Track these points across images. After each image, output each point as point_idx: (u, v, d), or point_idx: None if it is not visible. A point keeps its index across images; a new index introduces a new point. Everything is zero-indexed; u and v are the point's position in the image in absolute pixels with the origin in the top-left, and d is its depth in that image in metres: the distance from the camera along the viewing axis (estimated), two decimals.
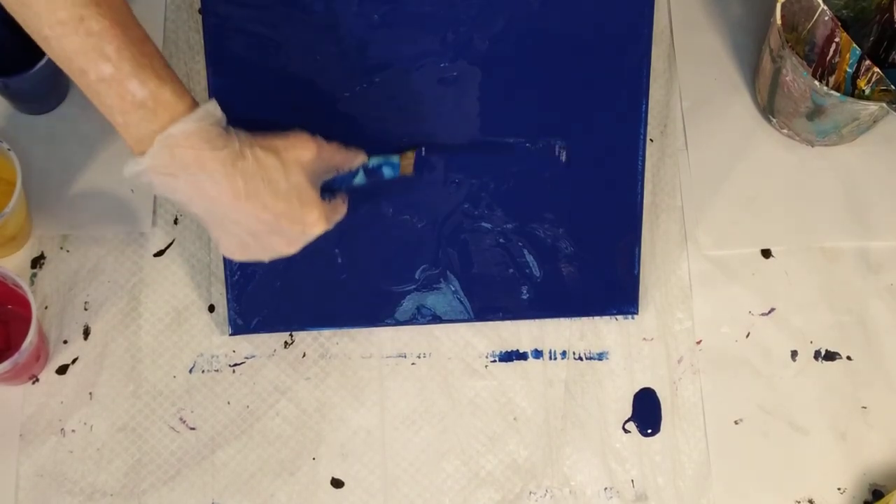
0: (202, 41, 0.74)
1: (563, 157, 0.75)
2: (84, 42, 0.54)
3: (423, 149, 0.74)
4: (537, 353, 0.80)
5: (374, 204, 0.77)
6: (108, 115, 0.57)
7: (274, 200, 0.60)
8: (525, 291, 0.79)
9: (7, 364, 0.70)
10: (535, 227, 0.78)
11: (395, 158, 0.72)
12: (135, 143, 0.58)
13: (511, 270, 0.78)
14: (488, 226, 0.78)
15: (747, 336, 0.81)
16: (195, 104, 0.58)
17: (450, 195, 0.77)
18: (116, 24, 0.55)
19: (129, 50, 0.55)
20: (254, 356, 0.79)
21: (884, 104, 0.75)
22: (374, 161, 0.71)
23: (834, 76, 0.83)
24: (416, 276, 0.78)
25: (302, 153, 0.62)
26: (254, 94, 0.74)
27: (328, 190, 0.67)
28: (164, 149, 0.57)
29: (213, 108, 0.59)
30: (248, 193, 0.59)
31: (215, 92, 0.74)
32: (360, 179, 0.70)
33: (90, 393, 0.78)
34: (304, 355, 0.80)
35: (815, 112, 0.80)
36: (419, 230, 0.77)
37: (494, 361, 0.80)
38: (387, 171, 0.72)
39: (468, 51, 0.74)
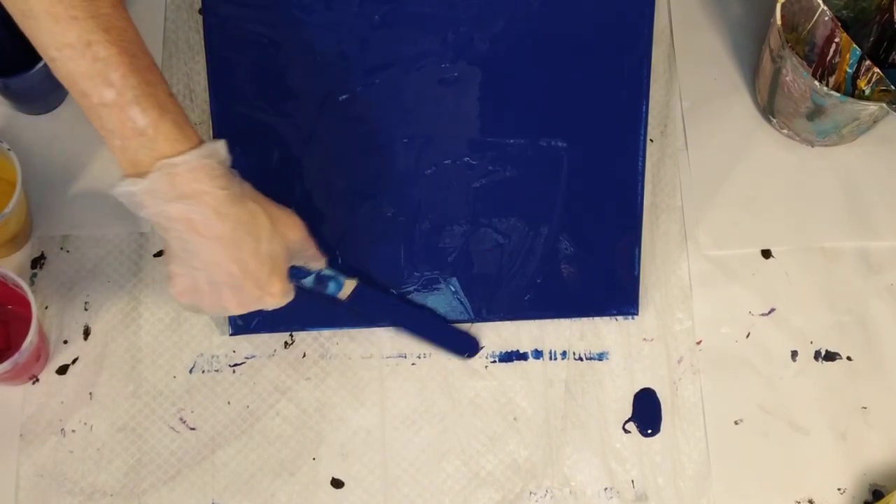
0: (202, 41, 0.74)
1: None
2: (90, 67, 0.55)
3: (362, 284, 0.75)
4: (537, 354, 0.80)
5: (374, 204, 0.77)
6: (107, 137, 0.57)
7: (251, 258, 0.61)
8: (525, 292, 0.79)
9: (7, 364, 0.70)
10: (536, 228, 0.78)
11: (342, 279, 0.74)
12: (130, 165, 0.58)
13: (511, 271, 0.78)
14: (488, 226, 0.78)
15: (747, 336, 0.81)
16: (200, 140, 0.58)
17: (450, 196, 0.77)
18: (124, 51, 0.55)
19: (134, 78, 0.55)
20: (254, 356, 0.79)
21: (884, 104, 0.75)
22: (327, 272, 0.73)
23: (834, 76, 0.83)
24: (417, 277, 0.78)
25: (291, 231, 0.64)
26: (254, 93, 0.74)
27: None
28: (164, 176, 0.57)
29: (220, 148, 0.59)
30: (231, 240, 0.59)
31: (215, 91, 0.74)
32: (309, 281, 0.72)
33: (90, 393, 0.78)
34: (304, 355, 0.80)
35: (815, 112, 0.80)
36: (419, 231, 0.77)
37: (494, 361, 0.80)
38: (331, 286, 0.74)
39: (468, 51, 0.74)
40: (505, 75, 0.74)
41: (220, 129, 0.75)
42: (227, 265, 0.60)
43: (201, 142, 0.58)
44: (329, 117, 0.75)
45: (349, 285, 0.74)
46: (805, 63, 0.79)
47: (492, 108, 0.75)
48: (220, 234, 0.59)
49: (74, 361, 0.79)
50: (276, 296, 0.63)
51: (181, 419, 0.78)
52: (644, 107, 0.75)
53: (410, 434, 0.78)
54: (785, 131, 0.86)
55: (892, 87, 0.79)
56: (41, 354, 0.76)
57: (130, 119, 0.56)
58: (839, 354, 0.81)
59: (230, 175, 0.59)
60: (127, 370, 0.78)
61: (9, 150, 0.75)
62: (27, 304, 0.71)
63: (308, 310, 0.78)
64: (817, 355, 0.81)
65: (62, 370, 0.78)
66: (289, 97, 0.74)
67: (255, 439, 0.77)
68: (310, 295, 0.78)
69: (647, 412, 0.79)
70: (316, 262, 0.71)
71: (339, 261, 0.77)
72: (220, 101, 0.74)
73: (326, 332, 0.80)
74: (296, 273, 0.70)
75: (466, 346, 0.79)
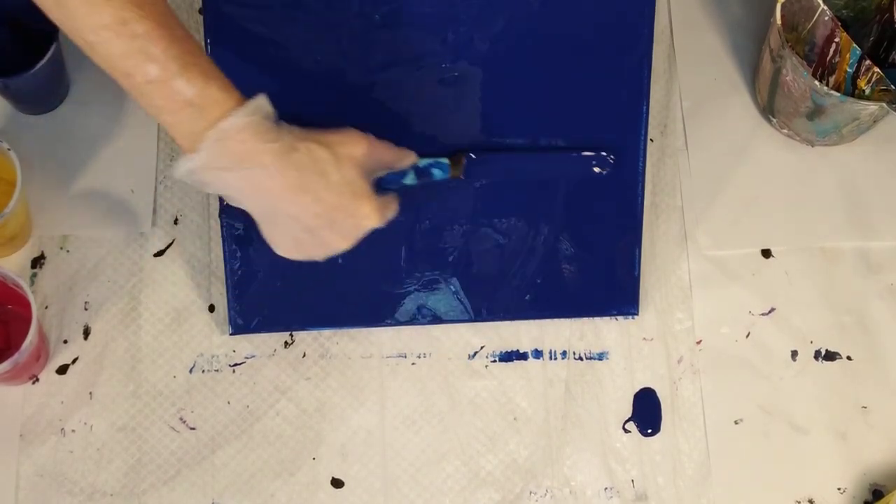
0: (202, 41, 0.74)
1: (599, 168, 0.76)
2: (129, 45, 0.54)
3: (472, 154, 0.74)
4: (537, 353, 0.80)
5: None
6: (156, 115, 0.57)
7: (327, 193, 0.61)
8: (525, 292, 0.79)
9: (7, 364, 0.70)
10: (536, 228, 0.78)
11: (444, 160, 0.73)
12: (185, 140, 0.57)
13: (511, 271, 0.78)
14: (488, 226, 0.78)
15: (747, 336, 0.81)
16: (243, 99, 0.58)
17: (450, 196, 0.77)
18: (160, 24, 0.55)
19: (174, 49, 0.55)
20: (254, 356, 0.79)
21: (884, 104, 0.75)
22: (424, 162, 0.71)
23: (834, 76, 0.83)
24: (417, 277, 0.78)
25: (354, 148, 0.63)
26: (254, 94, 0.74)
27: (380, 189, 0.67)
28: (216, 144, 0.57)
29: (262, 103, 0.59)
30: (301, 186, 0.59)
31: None
32: (410, 179, 0.71)
33: (90, 393, 0.78)
34: (304, 355, 0.80)
35: (815, 112, 0.80)
36: (419, 231, 0.77)
37: (494, 361, 0.80)
38: (436, 173, 0.73)
39: (469, 51, 0.74)
40: (505, 75, 0.74)
41: None
42: (310, 210, 0.61)
43: (245, 100, 0.58)
44: (329, 117, 0.75)
45: (457, 161, 0.73)
46: (805, 63, 0.79)
47: (492, 108, 0.75)
48: (289, 185, 0.59)
49: (74, 361, 0.79)
50: (370, 216, 0.63)
51: (181, 419, 0.78)
52: (644, 107, 0.75)
53: (410, 434, 0.78)
54: (785, 131, 0.86)
55: (892, 87, 0.79)
56: (41, 354, 0.76)
57: (177, 92, 0.55)
58: (839, 354, 0.81)
59: (277, 127, 0.59)
60: (127, 370, 0.78)
61: (9, 150, 0.75)
62: (27, 304, 0.71)
63: (308, 310, 0.78)
64: (817, 355, 0.81)
65: (62, 370, 0.78)
66: (289, 97, 0.74)
67: (255, 439, 0.77)
68: (310, 295, 0.78)
69: (647, 412, 0.79)
70: (405, 160, 0.69)
71: (340, 261, 0.77)
72: None
73: (326, 332, 0.80)
74: (393, 178, 0.69)
75: (601, 162, 0.76)
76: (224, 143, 0.57)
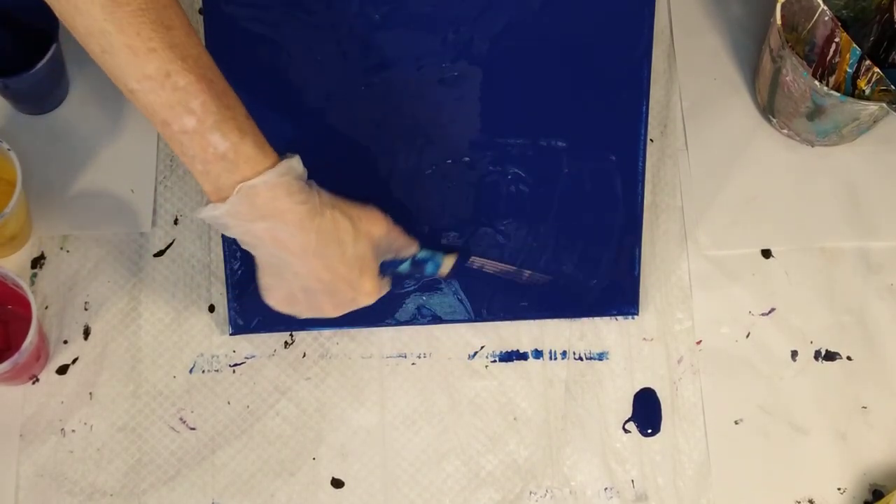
0: (202, 41, 0.74)
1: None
2: (170, 97, 0.55)
3: (465, 258, 0.76)
4: (537, 353, 0.80)
5: (374, 204, 0.77)
6: (189, 163, 0.58)
7: (339, 263, 0.63)
8: (525, 292, 0.79)
9: (7, 364, 0.70)
10: (535, 228, 0.78)
11: (439, 258, 0.74)
12: (213, 190, 0.58)
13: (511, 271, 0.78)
14: (488, 226, 0.78)
15: (747, 336, 0.81)
16: (276, 157, 0.59)
17: (450, 196, 0.77)
18: (202, 78, 0.56)
19: (213, 104, 0.56)
20: (254, 356, 0.79)
21: (884, 104, 0.75)
22: (423, 255, 0.73)
23: (834, 76, 0.83)
24: (417, 277, 0.78)
25: (373, 227, 0.65)
26: (254, 94, 0.74)
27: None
28: (245, 198, 0.58)
29: (295, 164, 0.60)
30: (317, 250, 0.61)
31: None
32: (405, 268, 0.73)
33: (90, 393, 0.78)
34: (304, 355, 0.80)
35: (815, 112, 0.80)
36: (419, 231, 0.77)
37: (494, 361, 0.80)
38: (429, 268, 0.74)
39: (469, 51, 0.74)
40: (505, 75, 0.74)
41: None
42: (318, 273, 0.62)
43: (278, 159, 0.59)
44: (329, 117, 0.75)
45: (449, 261, 0.74)
46: (805, 63, 0.79)
47: (492, 108, 0.75)
48: (306, 247, 0.61)
49: (74, 361, 0.79)
50: (370, 294, 0.66)
51: (181, 419, 0.78)
52: (644, 107, 0.75)
53: (410, 434, 0.78)
54: (785, 131, 0.86)
55: (892, 87, 0.79)
56: (41, 354, 0.76)
57: (212, 145, 0.56)
58: (839, 354, 0.81)
59: (307, 188, 0.61)
60: (127, 370, 0.78)
61: (9, 150, 0.75)
62: (27, 304, 0.71)
63: None
64: (817, 355, 0.81)
65: (62, 370, 0.78)
66: (289, 97, 0.74)
67: (255, 439, 0.77)
68: None
69: (647, 412, 0.79)
70: (408, 250, 0.71)
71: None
72: None
73: (326, 332, 0.80)
74: (390, 264, 0.71)
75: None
76: (252, 199, 0.58)
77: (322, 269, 0.62)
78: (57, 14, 0.55)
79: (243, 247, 0.62)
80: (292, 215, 0.59)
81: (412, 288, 0.78)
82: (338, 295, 0.65)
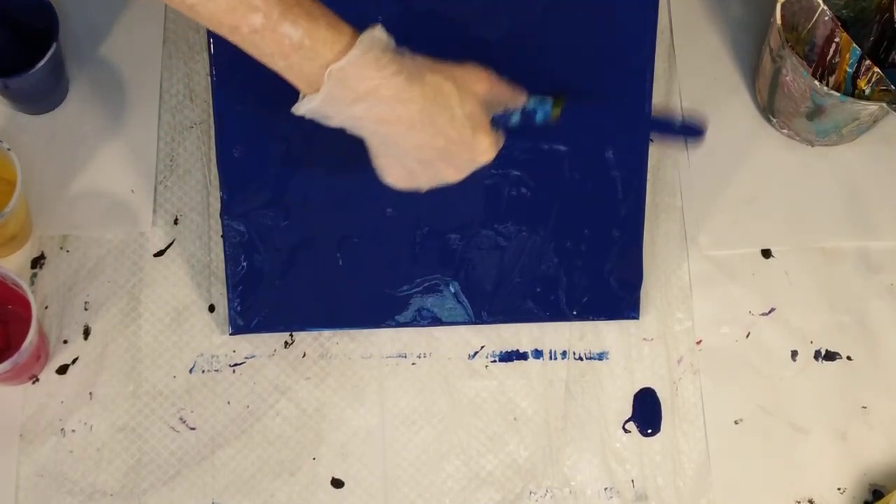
0: (202, 41, 0.74)
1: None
2: (230, 0, 0.54)
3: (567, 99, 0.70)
4: (537, 353, 0.80)
5: (375, 206, 0.77)
6: (270, 62, 0.56)
7: (450, 127, 0.60)
8: (525, 294, 0.79)
9: (7, 364, 0.70)
10: (536, 230, 0.78)
11: (548, 104, 0.69)
12: (303, 83, 0.57)
13: (511, 273, 0.78)
14: (489, 229, 0.78)
15: (747, 336, 0.81)
16: (356, 33, 0.57)
17: (451, 198, 0.77)
18: None
19: None
20: (254, 356, 0.79)
21: (884, 104, 0.75)
22: (531, 104, 0.68)
23: (834, 76, 0.83)
24: (417, 279, 0.78)
25: (478, 85, 0.62)
26: (257, 92, 0.74)
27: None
28: (336, 83, 0.56)
29: (379, 34, 0.57)
30: (423, 119, 0.59)
31: (218, 90, 0.74)
32: (516, 120, 0.68)
33: (90, 393, 0.78)
34: (304, 355, 0.80)
35: (815, 112, 0.80)
36: (420, 233, 0.77)
37: (494, 361, 0.80)
38: (538, 116, 0.69)
39: (470, 53, 0.73)
40: (507, 76, 0.74)
41: (222, 128, 0.75)
42: (430, 142, 0.60)
43: (357, 35, 0.57)
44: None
45: (558, 106, 0.69)
46: (805, 63, 0.79)
47: None
48: (411, 118, 0.58)
49: (74, 361, 0.79)
50: (487, 151, 0.62)
51: (181, 419, 0.78)
52: (646, 107, 0.75)
53: (410, 434, 0.78)
54: (785, 131, 0.86)
55: (892, 87, 0.79)
56: (41, 354, 0.76)
57: (285, 36, 0.55)
58: (839, 354, 0.81)
59: (398, 57, 0.57)
60: (127, 370, 0.78)
61: (9, 150, 0.75)
62: (27, 304, 0.71)
63: (308, 310, 0.78)
64: (817, 355, 0.81)
65: (62, 370, 0.78)
66: (291, 97, 0.74)
67: (255, 439, 0.77)
68: (310, 296, 0.78)
69: (647, 412, 0.79)
70: (517, 100, 0.67)
71: (341, 262, 0.77)
72: (223, 100, 0.74)
73: (326, 332, 0.80)
74: (501, 118, 0.67)
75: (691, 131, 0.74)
76: (344, 82, 0.56)
77: (433, 136, 0.60)
78: None
79: (351, 132, 0.60)
80: (387, 90, 0.57)
81: (412, 290, 0.78)
82: (455, 159, 0.62)
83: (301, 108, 0.58)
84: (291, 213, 0.76)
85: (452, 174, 0.64)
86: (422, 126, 0.59)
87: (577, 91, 0.75)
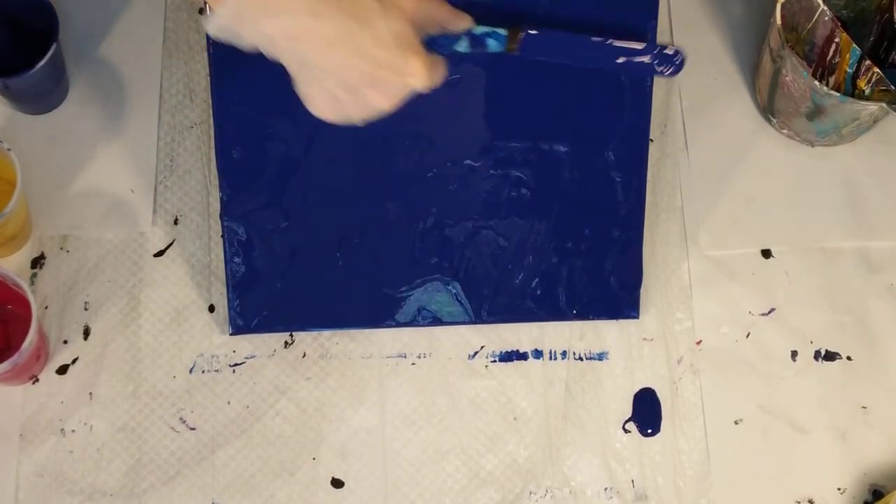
0: (202, 41, 0.74)
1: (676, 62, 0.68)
2: None
3: (531, 31, 0.66)
4: (537, 353, 0.80)
5: (375, 206, 0.77)
6: None
7: (372, 46, 0.55)
8: (525, 294, 0.79)
9: (7, 364, 0.70)
10: (537, 230, 0.78)
11: (502, 31, 0.64)
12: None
13: (511, 273, 0.78)
14: (489, 228, 0.78)
15: (747, 336, 0.81)
16: None
17: (451, 198, 0.77)
18: None
19: None
20: (254, 356, 0.79)
21: (884, 104, 0.75)
22: (481, 30, 0.64)
23: (834, 76, 0.83)
24: (417, 279, 0.78)
25: None
26: (257, 92, 0.74)
27: (428, 50, 0.60)
28: None
29: None
30: (342, 37, 0.54)
31: (218, 90, 0.74)
32: (463, 46, 0.64)
33: (90, 393, 0.78)
34: (304, 355, 0.80)
35: (815, 112, 0.80)
36: (420, 232, 0.77)
37: (494, 361, 0.80)
38: (492, 44, 0.64)
39: (472, 53, 0.73)
40: (508, 78, 0.74)
41: (222, 129, 0.75)
42: (353, 65, 0.55)
43: None
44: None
45: (514, 35, 0.64)
46: (805, 63, 0.79)
47: (494, 111, 0.75)
48: (328, 35, 0.54)
49: (74, 361, 0.79)
50: (418, 73, 0.57)
51: (181, 419, 0.78)
52: (647, 110, 0.75)
53: (410, 434, 0.78)
54: (785, 131, 0.86)
55: (892, 87, 0.79)
56: (41, 354, 0.76)
57: None
58: (839, 354, 0.81)
59: None
60: (127, 370, 0.78)
61: (9, 150, 0.75)
62: (27, 304, 0.71)
63: (308, 310, 0.78)
64: (817, 355, 0.81)
65: (62, 370, 0.78)
66: (290, 97, 0.74)
67: (255, 439, 0.77)
68: (310, 296, 0.78)
69: (647, 412, 0.79)
70: (458, 21, 0.62)
71: (340, 262, 0.77)
72: (222, 101, 0.74)
73: (326, 332, 0.80)
74: (442, 42, 0.62)
75: (663, 60, 0.68)
76: None
77: (355, 57, 0.54)
78: None
79: (267, 56, 0.56)
80: (300, 2, 0.52)
81: (412, 290, 0.78)
82: (383, 83, 0.56)
83: (210, 25, 0.54)
84: (291, 214, 0.76)
85: (383, 101, 0.58)
86: (341, 44, 0.54)
87: (578, 88, 0.75)
